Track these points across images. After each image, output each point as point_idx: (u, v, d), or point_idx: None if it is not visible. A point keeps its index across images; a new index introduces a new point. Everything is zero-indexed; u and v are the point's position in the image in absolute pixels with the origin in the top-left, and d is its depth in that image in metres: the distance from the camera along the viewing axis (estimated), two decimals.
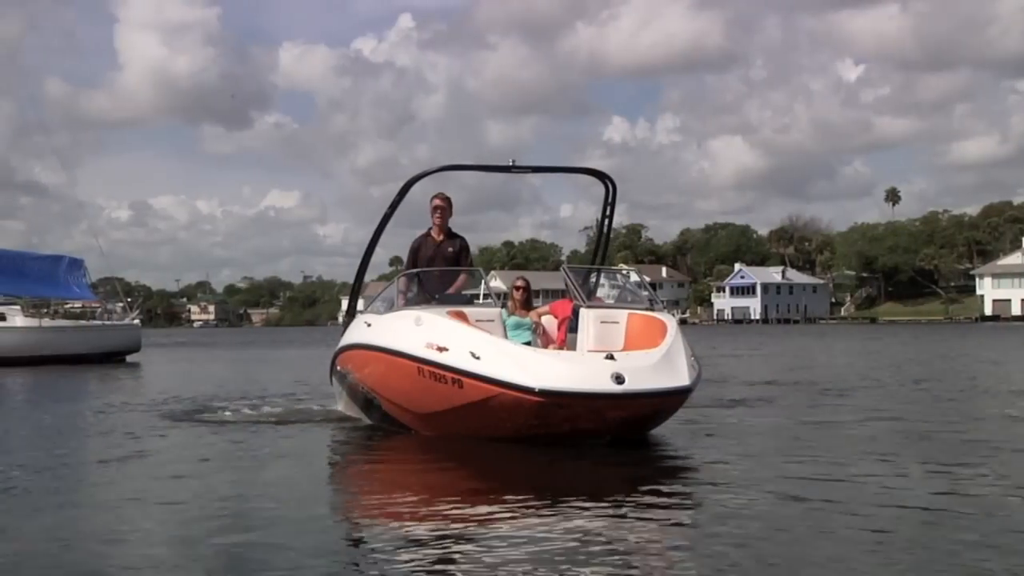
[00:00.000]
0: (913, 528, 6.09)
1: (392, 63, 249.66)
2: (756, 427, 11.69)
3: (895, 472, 8.10)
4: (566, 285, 11.45)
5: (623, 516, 6.46)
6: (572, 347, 10.57)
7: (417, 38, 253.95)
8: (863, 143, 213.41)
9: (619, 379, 8.97)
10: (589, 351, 10.17)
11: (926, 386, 17.93)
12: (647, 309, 10.98)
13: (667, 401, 9.60)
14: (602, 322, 10.65)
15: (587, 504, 6.80)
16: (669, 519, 6.41)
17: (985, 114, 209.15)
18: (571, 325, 10.93)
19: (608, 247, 13.86)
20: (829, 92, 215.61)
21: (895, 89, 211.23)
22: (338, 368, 12.57)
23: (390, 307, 11.54)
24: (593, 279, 12.31)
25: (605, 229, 13.58)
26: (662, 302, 11.71)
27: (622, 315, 10.79)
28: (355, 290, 13.83)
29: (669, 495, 7.17)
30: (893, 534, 5.89)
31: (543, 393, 8.87)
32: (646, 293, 11.96)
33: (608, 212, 13.12)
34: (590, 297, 11.26)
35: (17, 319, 34.72)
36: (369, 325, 11.52)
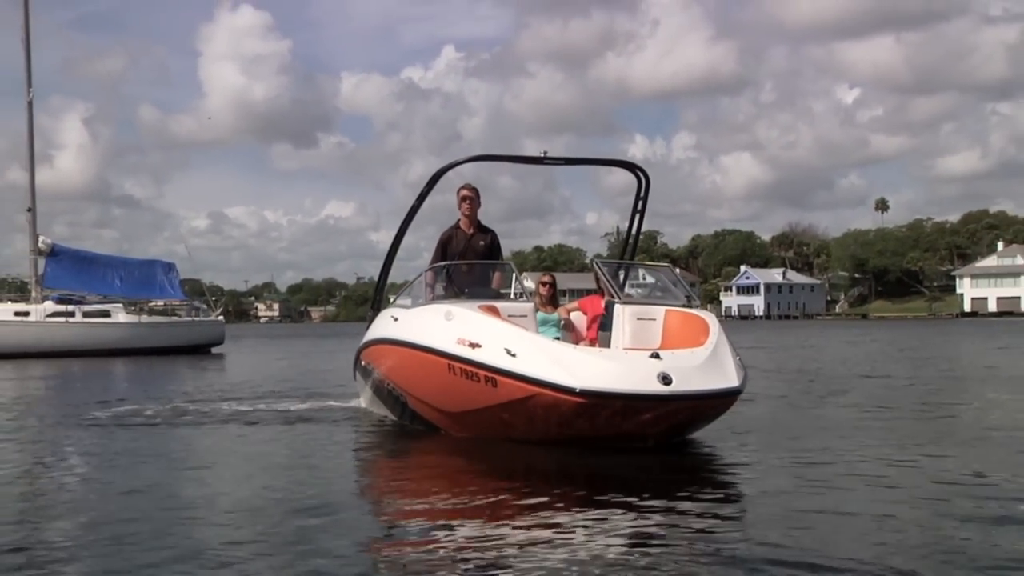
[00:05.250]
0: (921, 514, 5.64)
1: (439, 89, 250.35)
2: (793, 422, 10.46)
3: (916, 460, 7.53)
4: (598, 280, 9.93)
5: (664, 521, 5.52)
6: (604, 345, 9.09)
7: (464, 67, 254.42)
8: (859, 158, 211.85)
9: (666, 379, 7.56)
10: (624, 349, 8.75)
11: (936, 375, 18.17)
12: (684, 306, 9.42)
13: (716, 404, 8.10)
14: (638, 319, 9.16)
15: (628, 509, 5.79)
16: (712, 524, 5.46)
17: (968, 133, 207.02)
18: (602, 322, 9.50)
19: (639, 242, 11.98)
20: (829, 113, 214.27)
21: (888, 110, 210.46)
22: (362, 363, 11.11)
23: (417, 301, 9.94)
24: (623, 274, 10.70)
25: (637, 223, 11.58)
26: (699, 299, 9.72)
27: (659, 311, 9.25)
28: (380, 284, 12.19)
29: (710, 498, 6.18)
30: (901, 521, 5.45)
31: (584, 394, 7.45)
32: (682, 289, 10.05)
33: (640, 206, 11.33)
34: (622, 292, 9.71)
35: (120, 316, 35.86)
36: (396, 319, 10.00)
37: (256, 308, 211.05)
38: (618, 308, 9.27)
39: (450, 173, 10.56)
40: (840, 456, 7.79)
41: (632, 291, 10.63)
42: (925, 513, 5.68)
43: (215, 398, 14.23)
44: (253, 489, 6.91)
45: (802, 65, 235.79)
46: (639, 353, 8.20)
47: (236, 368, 25.67)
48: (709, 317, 9.00)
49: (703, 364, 8.04)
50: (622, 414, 7.62)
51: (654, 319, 9.17)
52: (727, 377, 8.05)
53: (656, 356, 7.91)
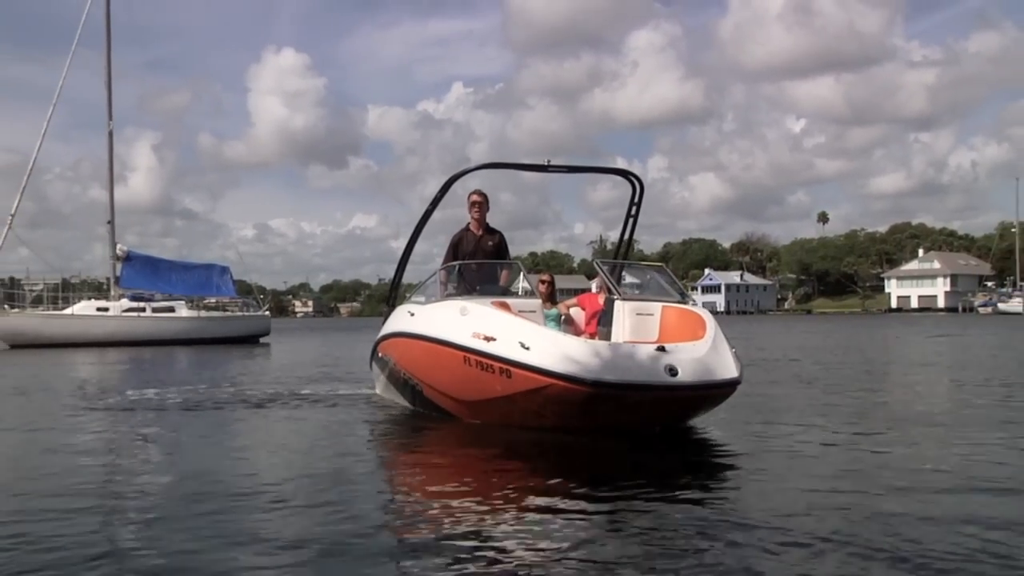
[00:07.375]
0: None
1: (451, 120, 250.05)
2: (772, 406, 9.92)
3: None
4: (600, 277, 9.37)
5: (665, 503, 5.09)
6: (604, 339, 8.31)
7: (472, 101, 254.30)
8: (805, 178, 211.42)
9: (672, 371, 7.01)
10: (625, 342, 8.05)
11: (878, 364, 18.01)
12: (679, 302, 8.74)
13: (719, 393, 7.49)
14: (637, 314, 8.51)
15: (633, 493, 5.31)
16: (708, 511, 4.95)
17: (895, 158, 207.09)
18: (600, 318, 8.86)
19: (631, 244, 11.12)
20: (780, 140, 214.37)
21: (829, 138, 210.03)
22: (379, 355, 10.33)
23: (432, 298, 9.22)
24: (620, 272, 9.96)
25: (631, 226, 10.78)
26: (692, 297, 9.26)
27: (656, 307, 8.59)
28: (396, 282, 11.26)
29: (706, 484, 5.71)
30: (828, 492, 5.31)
31: (596, 384, 6.85)
32: (675, 287, 9.30)
33: (634, 211, 10.55)
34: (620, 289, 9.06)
35: (183, 311, 36.42)
36: (412, 315, 9.18)
37: (293, 305, 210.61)
38: (618, 304, 8.69)
39: (457, 186, 9.81)
40: (805, 437, 7.60)
41: (637, 286, 9.93)
42: (865, 486, 5.53)
43: (261, 382, 14.34)
44: (285, 466, 6.74)
45: (757, 100, 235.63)
46: (646, 346, 7.52)
47: (280, 355, 25.83)
48: (704, 313, 8.28)
49: (705, 356, 7.44)
50: (631, 403, 7.03)
51: (652, 314, 8.54)
52: (727, 368, 7.43)
53: (662, 349, 7.31)
